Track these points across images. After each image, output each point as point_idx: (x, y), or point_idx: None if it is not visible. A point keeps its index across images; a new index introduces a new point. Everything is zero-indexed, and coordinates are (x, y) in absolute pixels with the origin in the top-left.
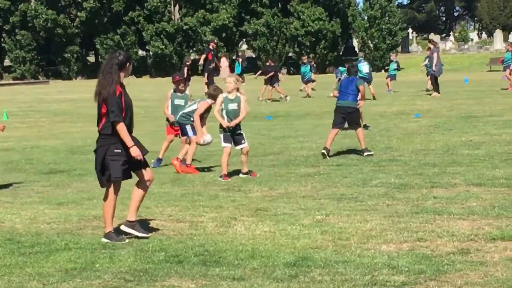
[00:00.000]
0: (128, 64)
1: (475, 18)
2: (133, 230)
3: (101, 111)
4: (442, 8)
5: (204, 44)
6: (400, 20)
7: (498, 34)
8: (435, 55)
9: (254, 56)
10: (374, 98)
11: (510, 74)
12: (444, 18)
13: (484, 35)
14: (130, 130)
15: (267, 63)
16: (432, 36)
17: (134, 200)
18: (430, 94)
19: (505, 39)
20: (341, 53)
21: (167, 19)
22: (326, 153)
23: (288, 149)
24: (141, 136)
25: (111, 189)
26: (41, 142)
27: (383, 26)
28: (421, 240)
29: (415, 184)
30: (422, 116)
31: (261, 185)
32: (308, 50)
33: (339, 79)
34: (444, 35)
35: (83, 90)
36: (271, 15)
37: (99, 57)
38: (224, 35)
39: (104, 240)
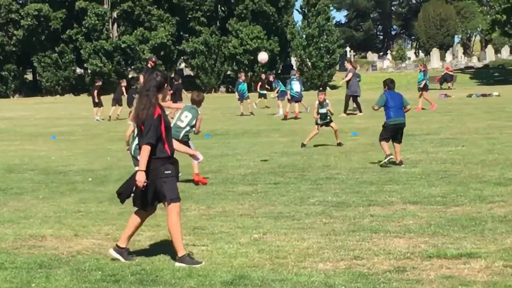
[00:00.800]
0: (166, 85)
1: (412, 37)
2: (121, 256)
3: (141, 134)
4: (379, 27)
5: (142, 62)
6: (338, 39)
7: (435, 52)
8: (349, 75)
9: (192, 74)
10: (297, 117)
11: (420, 96)
12: (381, 37)
13: (421, 54)
14: (172, 151)
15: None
16: (369, 54)
17: (130, 227)
18: (355, 114)
19: (442, 57)
20: (279, 72)
21: (106, 37)
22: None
23: (226, 168)
24: (78, 154)
25: (174, 212)
26: None
27: (321, 45)
28: (357, 258)
29: (352, 202)
30: (359, 134)
31: (198, 204)
32: (246, 69)
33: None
34: (381, 53)
35: (21, 108)
36: (209, 34)
37: (37, 75)
38: (162, 53)
39: (178, 264)
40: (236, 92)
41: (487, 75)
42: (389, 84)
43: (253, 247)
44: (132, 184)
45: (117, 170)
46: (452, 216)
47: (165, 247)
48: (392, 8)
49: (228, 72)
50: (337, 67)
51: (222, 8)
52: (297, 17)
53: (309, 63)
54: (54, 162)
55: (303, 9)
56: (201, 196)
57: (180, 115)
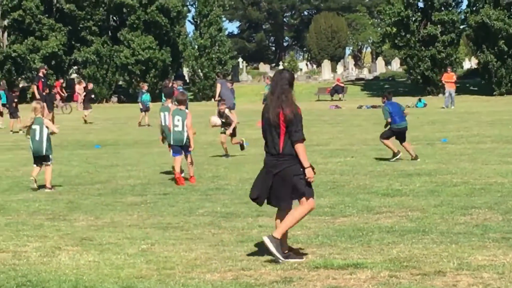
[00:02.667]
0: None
1: (304, 48)
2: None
3: (279, 133)
4: (272, 38)
5: (33, 72)
6: (230, 50)
7: (326, 64)
8: (218, 86)
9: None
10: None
11: None
12: (274, 48)
13: (313, 65)
14: None
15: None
16: (261, 65)
17: (292, 219)
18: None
19: (333, 69)
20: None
21: None
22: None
23: (116, 178)
24: None
25: (307, 207)
26: None
27: (213, 55)
28: (245, 269)
29: (241, 213)
30: (250, 145)
31: (87, 214)
32: (138, 79)
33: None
34: (274, 64)
35: None
36: (101, 43)
37: None
38: (54, 62)
39: (265, 239)
40: (140, 103)
41: (378, 87)
42: (387, 95)
43: (141, 258)
44: (266, 186)
45: (4, 180)
46: (340, 227)
47: (52, 258)
48: (284, 19)
49: (120, 82)
50: (229, 77)
51: (114, 18)
52: (190, 27)
53: (201, 74)
54: None
55: (195, 20)
56: (90, 206)
57: (173, 121)
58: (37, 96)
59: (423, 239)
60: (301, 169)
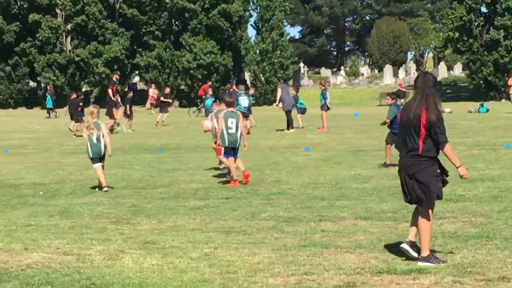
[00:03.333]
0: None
1: (366, 53)
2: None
3: (418, 134)
4: (333, 43)
5: (96, 76)
6: (291, 54)
7: (388, 69)
8: (278, 90)
9: (146, 88)
10: (249, 132)
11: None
12: (335, 53)
13: (375, 70)
14: (437, 151)
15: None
16: (323, 70)
17: (425, 232)
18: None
19: (395, 74)
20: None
21: (59, 50)
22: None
23: (178, 182)
24: (30, 168)
25: (430, 210)
26: None
27: (275, 60)
28: (308, 273)
29: (304, 217)
30: (312, 150)
31: (150, 218)
32: (200, 83)
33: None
34: (335, 69)
35: None
36: (163, 48)
37: None
38: (116, 67)
39: (422, 264)
40: (203, 109)
41: (440, 92)
42: (397, 97)
43: (204, 261)
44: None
45: (68, 184)
46: (403, 232)
47: (115, 261)
48: (346, 24)
49: (182, 87)
50: (290, 82)
51: (176, 22)
52: (251, 32)
53: (263, 78)
54: (6, 175)
55: (257, 24)
56: (153, 210)
57: (226, 124)
58: (112, 98)
59: (487, 245)
60: (438, 171)
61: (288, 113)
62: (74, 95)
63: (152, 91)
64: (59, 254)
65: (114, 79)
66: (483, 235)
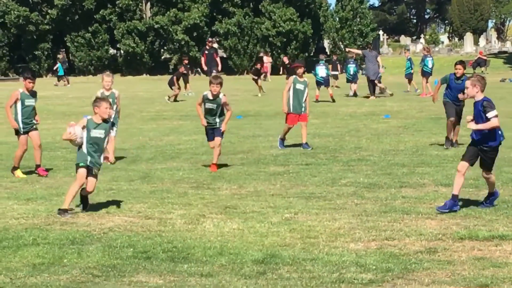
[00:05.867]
0: None
1: (446, 21)
2: None
3: None
4: (413, 10)
5: (175, 43)
6: (371, 22)
7: (469, 37)
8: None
9: (225, 55)
10: (333, 100)
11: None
12: (415, 21)
13: (455, 38)
14: None
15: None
16: (402, 38)
17: None
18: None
19: (476, 42)
20: (312, 54)
21: (139, 18)
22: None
23: (258, 148)
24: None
25: None
26: (9, 138)
27: (354, 28)
28: (389, 239)
29: (384, 183)
30: (391, 117)
31: (230, 183)
32: (279, 51)
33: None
34: (415, 37)
35: (53, 87)
36: (242, 15)
37: (70, 54)
38: (195, 34)
39: None
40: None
41: None
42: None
43: (284, 226)
44: None
45: (148, 149)
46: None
47: (196, 225)
48: None
49: (261, 54)
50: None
51: None
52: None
53: (342, 46)
54: None
55: None
56: (233, 176)
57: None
58: (204, 68)
59: None
60: None
61: (371, 81)
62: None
63: (267, 59)
64: (141, 218)
65: (207, 46)
66: None
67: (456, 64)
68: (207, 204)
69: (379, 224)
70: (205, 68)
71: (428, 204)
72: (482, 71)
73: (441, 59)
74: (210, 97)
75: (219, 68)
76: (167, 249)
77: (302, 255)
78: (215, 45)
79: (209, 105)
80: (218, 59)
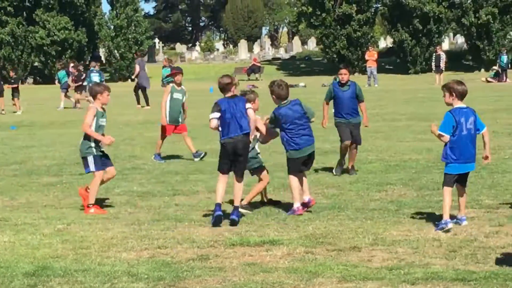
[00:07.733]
0: None
1: (221, 29)
2: None
3: None
4: (188, 18)
5: None
6: (146, 30)
7: (243, 44)
8: (136, 66)
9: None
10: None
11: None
12: (190, 28)
13: (230, 45)
14: None
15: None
16: (178, 46)
17: None
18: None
19: (250, 49)
20: (87, 63)
21: None
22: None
23: (31, 159)
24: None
25: None
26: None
27: (130, 36)
28: (161, 247)
29: (158, 192)
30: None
31: (2, 195)
32: (54, 60)
33: None
34: (190, 45)
35: None
36: (16, 24)
37: None
38: None
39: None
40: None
41: (294, 66)
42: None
43: (56, 238)
44: None
45: None
46: (256, 203)
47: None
48: (200, 0)
49: (36, 63)
50: (145, 58)
51: None
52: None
53: (117, 54)
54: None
55: (112, 0)
56: (5, 187)
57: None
58: None
59: (339, 216)
60: None
61: (143, 89)
62: None
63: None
64: None
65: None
66: (335, 206)
67: (340, 68)
68: None
69: (152, 233)
70: None
71: (201, 212)
72: (256, 78)
73: (217, 66)
74: None
75: None
76: None
77: (74, 266)
78: None
79: None
80: None
